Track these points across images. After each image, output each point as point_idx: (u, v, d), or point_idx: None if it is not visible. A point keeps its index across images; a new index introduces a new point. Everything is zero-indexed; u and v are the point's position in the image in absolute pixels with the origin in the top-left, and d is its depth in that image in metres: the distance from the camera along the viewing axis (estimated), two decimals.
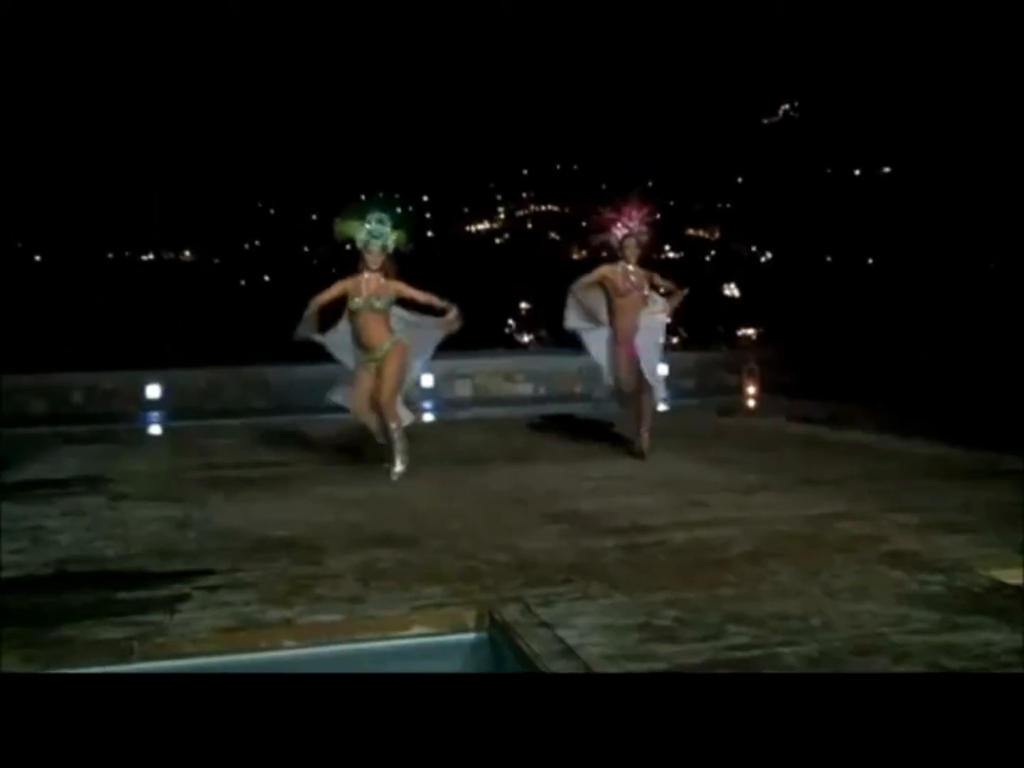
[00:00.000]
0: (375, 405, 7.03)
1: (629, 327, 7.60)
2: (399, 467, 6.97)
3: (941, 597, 3.85)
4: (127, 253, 49.07)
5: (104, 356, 17.17)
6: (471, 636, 3.78)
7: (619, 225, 7.72)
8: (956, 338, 11.87)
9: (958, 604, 3.74)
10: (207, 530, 5.42)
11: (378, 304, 6.96)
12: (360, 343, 7.05)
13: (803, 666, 3.14)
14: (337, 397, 7.27)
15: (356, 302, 6.96)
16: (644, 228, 7.74)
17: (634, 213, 7.75)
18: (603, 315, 7.80)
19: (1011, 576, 4.08)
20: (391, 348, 7.01)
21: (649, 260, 7.99)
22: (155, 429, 11.62)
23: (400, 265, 7.14)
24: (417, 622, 3.80)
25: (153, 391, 12.45)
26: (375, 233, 6.98)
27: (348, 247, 7.18)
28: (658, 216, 7.97)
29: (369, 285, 6.98)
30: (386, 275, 7.04)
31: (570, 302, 7.90)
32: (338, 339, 7.24)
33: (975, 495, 5.90)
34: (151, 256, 50.52)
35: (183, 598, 4.06)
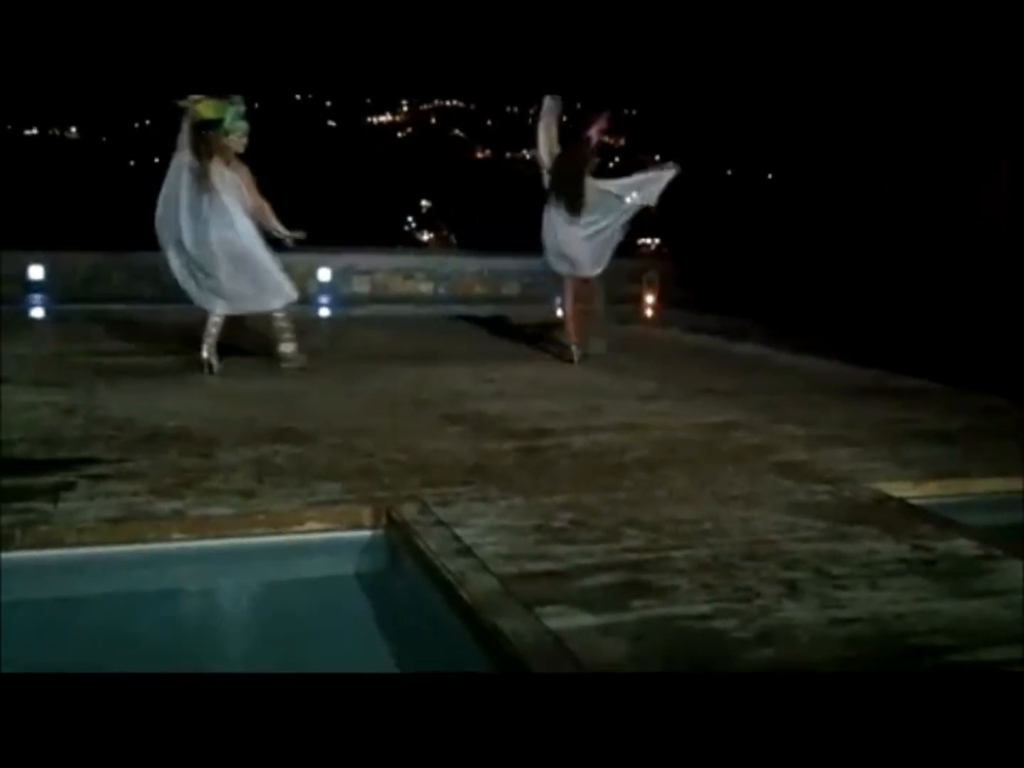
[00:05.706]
0: None
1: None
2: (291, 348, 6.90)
3: (828, 507, 3.96)
4: (8, 127, 46.50)
5: None
6: (367, 533, 3.76)
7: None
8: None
9: (844, 514, 3.85)
10: (94, 418, 5.25)
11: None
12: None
13: (694, 569, 3.20)
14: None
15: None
16: (592, 135, 7.71)
17: (592, 119, 7.80)
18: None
19: (895, 489, 4.22)
20: None
21: None
22: (39, 312, 11.15)
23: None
24: (312, 518, 3.76)
25: (36, 273, 11.87)
26: (244, 115, 6.71)
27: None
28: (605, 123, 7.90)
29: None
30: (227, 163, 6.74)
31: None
32: (168, 210, 6.88)
33: (862, 411, 6.08)
34: (34, 131, 47.97)
35: (68, 486, 3.93)
